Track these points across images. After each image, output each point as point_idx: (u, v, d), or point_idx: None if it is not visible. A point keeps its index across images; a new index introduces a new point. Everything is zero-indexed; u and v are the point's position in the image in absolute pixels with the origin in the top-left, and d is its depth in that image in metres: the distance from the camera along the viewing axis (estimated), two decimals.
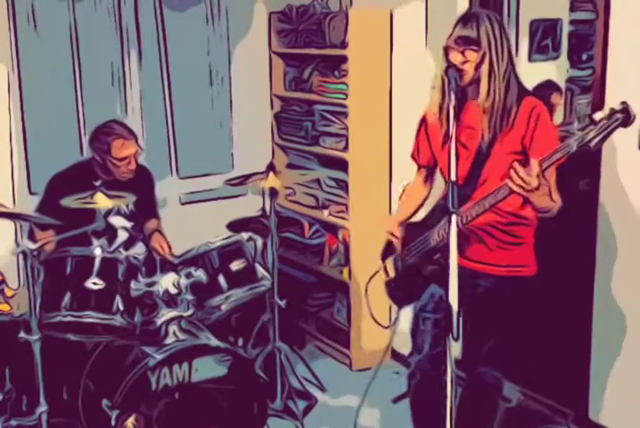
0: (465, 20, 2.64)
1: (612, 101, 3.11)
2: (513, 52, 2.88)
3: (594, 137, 2.23)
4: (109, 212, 3.45)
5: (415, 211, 3.02)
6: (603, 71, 3.13)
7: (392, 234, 2.91)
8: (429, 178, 3.04)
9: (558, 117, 4.18)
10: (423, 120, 2.92)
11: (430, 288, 2.89)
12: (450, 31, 2.66)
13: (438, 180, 3.00)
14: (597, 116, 2.24)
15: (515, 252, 2.78)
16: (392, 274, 2.96)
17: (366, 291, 3.06)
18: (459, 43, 2.62)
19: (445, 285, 2.84)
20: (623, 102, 2.24)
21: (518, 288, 2.79)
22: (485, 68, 2.62)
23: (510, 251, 2.77)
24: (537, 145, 2.59)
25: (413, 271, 2.86)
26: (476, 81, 2.65)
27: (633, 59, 3.01)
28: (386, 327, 3.09)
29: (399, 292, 2.97)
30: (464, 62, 2.61)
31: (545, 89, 4.04)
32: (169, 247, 3.62)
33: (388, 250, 2.99)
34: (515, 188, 2.34)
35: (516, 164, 2.32)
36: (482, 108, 2.66)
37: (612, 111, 2.23)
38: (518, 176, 2.31)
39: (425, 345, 2.96)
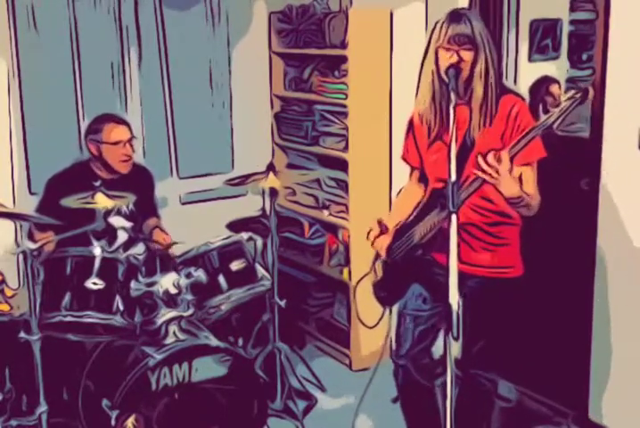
0: (456, 19, 2.61)
1: (612, 101, 3.13)
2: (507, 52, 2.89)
3: (555, 120, 2.30)
4: (108, 213, 3.46)
5: (412, 213, 3.01)
6: (603, 71, 3.13)
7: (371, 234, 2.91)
8: (423, 179, 3.02)
9: None
10: (411, 122, 2.90)
11: (412, 286, 2.90)
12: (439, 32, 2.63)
13: None
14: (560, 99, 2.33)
15: (500, 254, 2.78)
16: (380, 275, 2.97)
17: (354, 292, 3.07)
18: (453, 42, 2.59)
19: (427, 282, 2.86)
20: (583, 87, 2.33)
21: (505, 289, 2.78)
22: (480, 67, 2.62)
23: (495, 253, 2.77)
24: None
25: (396, 270, 2.87)
26: (466, 81, 2.64)
27: (633, 59, 3.02)
28: (371, 327, 3.08)
29: (384, 291, 2.97)
30: (459, 62, 2.59)
31: (542, 83, 4.05)
32: (171, 240, 3.63)
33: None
34: (480, 174, 2.38)
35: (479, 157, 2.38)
36: (473, 107, 2.65)
37: (573, 94, 2.30)
38: (485, 162, 2.36)
39: (406, 344, 2.96)
